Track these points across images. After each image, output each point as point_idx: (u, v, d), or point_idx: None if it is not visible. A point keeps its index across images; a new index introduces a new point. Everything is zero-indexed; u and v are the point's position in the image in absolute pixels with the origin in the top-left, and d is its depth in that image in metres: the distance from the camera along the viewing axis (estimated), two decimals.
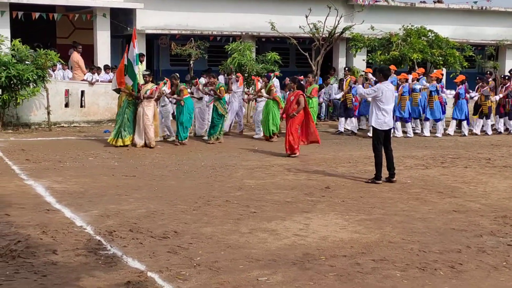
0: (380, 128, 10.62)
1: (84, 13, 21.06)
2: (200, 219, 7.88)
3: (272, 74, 16.94)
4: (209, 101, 16.12)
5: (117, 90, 14.83)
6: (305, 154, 13.67)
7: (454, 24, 26.15)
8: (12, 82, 16.20)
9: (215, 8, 22.56)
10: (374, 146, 10.74)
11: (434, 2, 27.16)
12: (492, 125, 19.38)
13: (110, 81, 17.76)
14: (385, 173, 10.70)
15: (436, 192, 9.92)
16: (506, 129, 19.51)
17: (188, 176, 10.96)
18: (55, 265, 6.01)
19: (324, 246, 6.82)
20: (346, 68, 20.39)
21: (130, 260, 6.21)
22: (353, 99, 17.96)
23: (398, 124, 17.76)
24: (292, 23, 21.94)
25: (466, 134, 18.44)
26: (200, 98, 16.25)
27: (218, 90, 15.61)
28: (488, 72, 22.25)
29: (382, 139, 10.66)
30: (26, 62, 16.54)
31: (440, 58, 20.99)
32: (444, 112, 18.56)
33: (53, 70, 18.74)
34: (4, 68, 16.01)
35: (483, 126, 19.12)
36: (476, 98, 18.76)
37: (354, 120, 18.38)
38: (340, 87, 19.13)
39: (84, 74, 18.96)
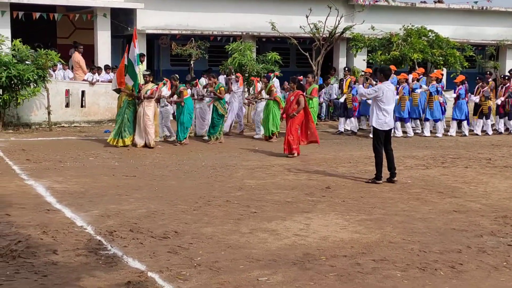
0: (380, 128, 10.61)
1: (84, 13, 21.07)
2: (200, 219, 7.89)
3: (272, 75, 16.93)
4: (209, 101, 16.11)
5: (117, 90, 14.84)
6: (305, 154, 13.67)
7: (455, 24, 26.15)
8: (12, 82, 16.21)
9: (215, 8, 22.56)
10: (374, 146, 10.74)
11: (435, 2, 27.16)
12: (492, 125, 19.37)
13: (110, 81, 17.76)
14: (386, 173, 10.70)
15: (437, 192, 9.92)
16: (507, 129, 19.50)
17: (189, 176, 10.96)
18: (56, 265, 6.02)
19: (325, 246, 6.82)
20: (346, 68, 20.39)
21: (131, 260, 6.21)
22: (353, 99, 17.96)
23: (398, 124, 17.76)
24: (292, 23, 21.94)
25: (467, 134, 18.43)
26: (201, 99, 16.25)
27: (218, 91, 15.62)
28: (488, 72, 22.24)
29: (382, 139, 10.65)
30: (27, 62, 16.54)
31: (441, 58, 20.98)
32: (444, 113, 18.55)
33: (54, 70, 18.75)
34: (4, 68, 16.02)
35: (483, 126, 19.11)
36: (477, 101, 18.71)
37: (353, 120, 18.38)
38: (340, 88, 19.12)
39: (85, 74, 18.97)
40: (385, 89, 10.55)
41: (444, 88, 19.53)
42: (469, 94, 18.79)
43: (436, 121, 18.30)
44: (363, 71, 20.17)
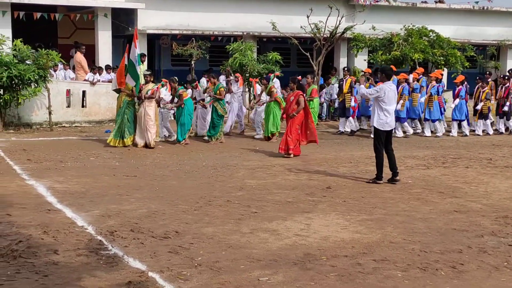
0: (382, 129, 10.60)
1: (85, 13, 21.08)
2: (201, 219, 7.89)
3: (271, 76, 16.87)
4: (208, 101, 16.10)
5: (117, 90, 14.84)
6: (306, 154, 13.67)
7: (456, 24, 26.16)
8: (13, 82, 16.22)
9: (216, 8, 22.57)
10: (375, 146, 10.73)
11: (436, 2, 27.18)
12: (491, 123, 19.33)
13: (110, 81, 17.77)
14: (387, 173, 10.69)
15: (437, 192, 9.92)
16: (507, 129, 19.49)
17: (189, 176, 10.97)
18: (56, 265, 6.02)
19: (325, 246, 6.82)
20: (346, 69, 20.39)
21: (131, 260, 6.22)
22: (352, 99, 17.95)
23: (398, 124, 17.73)
24: (293, 23, 21.95)
25: (468, 134, 18.41)
26: (203, 100, 16.24)
27: (218, 91, 15.61)
28: (488, 73, 22.23)
29: (383, 139, 10.64)
30: (28, 62, 16.55)
31: (442, 58, 20.98)
32: (443, 113, 18.53)
33: (55, 70, 18.76)
34: (5, 68, 16.03)
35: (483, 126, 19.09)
36: (479, 108, 18.64)
37: (352, 120, 18.35)
38: (340, 88, 19.10)
39: (87, 74, 18.98)
40: (387, 89, 10.53)
41: (445, 88, 19.48)
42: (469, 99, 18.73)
43: (433, 121, 18.24)
44: (363, 71, 20.17)
